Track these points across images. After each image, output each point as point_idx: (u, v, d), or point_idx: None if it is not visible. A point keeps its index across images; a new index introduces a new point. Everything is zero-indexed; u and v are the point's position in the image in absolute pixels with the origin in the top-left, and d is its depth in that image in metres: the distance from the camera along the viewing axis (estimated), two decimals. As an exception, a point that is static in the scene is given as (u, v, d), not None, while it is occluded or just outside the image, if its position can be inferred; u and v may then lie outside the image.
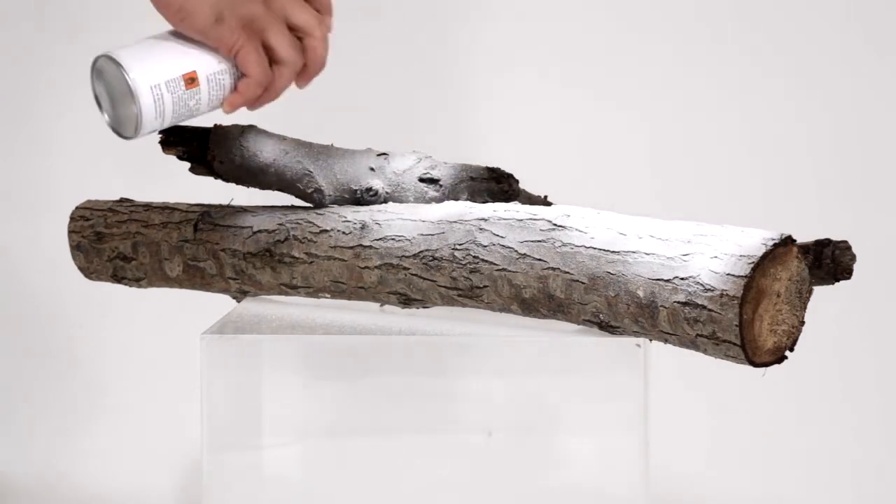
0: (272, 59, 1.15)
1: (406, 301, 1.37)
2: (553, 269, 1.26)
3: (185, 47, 1.15)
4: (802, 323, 1.20)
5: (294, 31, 1.14)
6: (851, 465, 2.21)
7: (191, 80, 1.15)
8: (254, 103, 1.21)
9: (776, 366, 1.20)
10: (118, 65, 1.13)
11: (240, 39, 1.13)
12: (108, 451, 2.30)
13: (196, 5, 1.10)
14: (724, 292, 1.16)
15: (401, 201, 1.41)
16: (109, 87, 1.15)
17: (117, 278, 1.54)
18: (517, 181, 1.42)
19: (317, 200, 1.43)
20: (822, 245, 1.32)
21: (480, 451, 1.34)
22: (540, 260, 1.27)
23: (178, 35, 1.15)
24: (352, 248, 1.37)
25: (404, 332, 1.36)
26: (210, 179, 1.49)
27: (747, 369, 1.20)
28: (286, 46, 1.14)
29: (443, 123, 2.28)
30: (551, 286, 1.26)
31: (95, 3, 2.35)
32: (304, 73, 1.18)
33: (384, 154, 1.44)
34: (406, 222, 1.36)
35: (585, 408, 1.32)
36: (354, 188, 1.42)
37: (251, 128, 1.46)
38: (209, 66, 1.16)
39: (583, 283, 1.25)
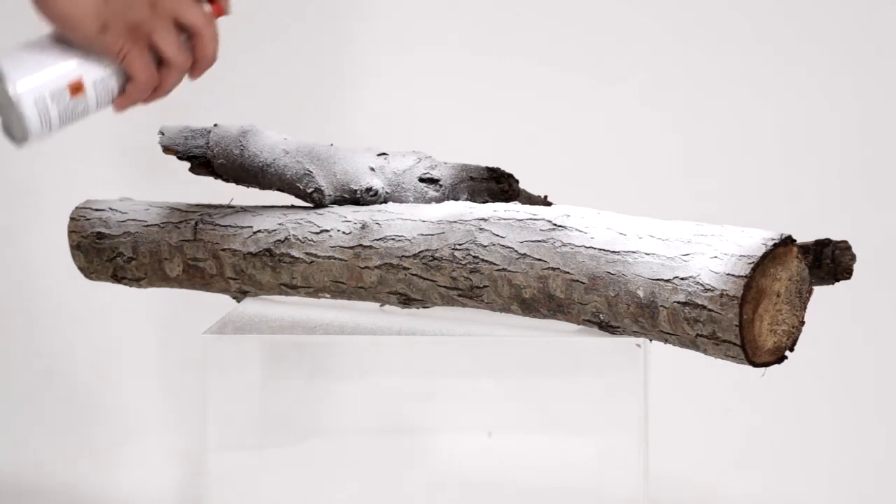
0: (160, 60, 1.13)
1: (406, 301, 1.37)
2: (553, 269, 1.26)
3: (69, 52, 1.12)
4: (802, 323, 1.20)
5: (183, 30, 1.12)
6: (851, 465, 2.21)
7: (76, 89, 1.11)
8: (144, 103, 1.18)
9: (776, 366, 1.20)
10: (1, 75, 1.10)
11: (126, 45, 1.10)
12: (108, 450, 2.30)
13: (81, 14, 1.07)
14: (724, 292, 1.16)
15: (401, 201, 1.41)
16: None
17: (117, 278, 1.54)
18: (517, 181, 1.42)
19: (317, 200, 1.43)
20: (822, 245, 1.32)
21: (480, 451, 1.34)
22: (540, 260, 1.27)
23: (62, 38, 1.11)
24: (352, 248, 1.37)
25: (404, 332, 1.36)
26: (210, 179, 1.49)
27: (747, 369, 1.20)
28: (173, 49, 1.12)
29: (443, 122, 2.28)
30: (551, 286, 1.26)
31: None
32: (195, 70, 1.15)
33: (384, 154, 1.44)
34: (406, 222, 1.36)
35: (585, 408, 1.32)
36: (354, 188, 1.42)
37: (251, 128, 1.46)
38: (95, 72, 1.12)
39: (583, 283, 1.25)
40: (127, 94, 1.14)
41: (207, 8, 1.14)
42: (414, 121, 2.28)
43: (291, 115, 2.29)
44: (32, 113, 1.11)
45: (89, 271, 1.55)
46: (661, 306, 1.20)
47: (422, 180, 1.41)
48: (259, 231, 1.43)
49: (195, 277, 1.48)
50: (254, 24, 2.34)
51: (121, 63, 1.11)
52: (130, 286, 1.54)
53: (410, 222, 1.35)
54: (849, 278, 1.32)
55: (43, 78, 1.11)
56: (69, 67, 1.12)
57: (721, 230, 1.21)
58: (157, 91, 1.14)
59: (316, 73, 2.34)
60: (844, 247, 1.32)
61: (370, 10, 2.33)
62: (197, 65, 1.14)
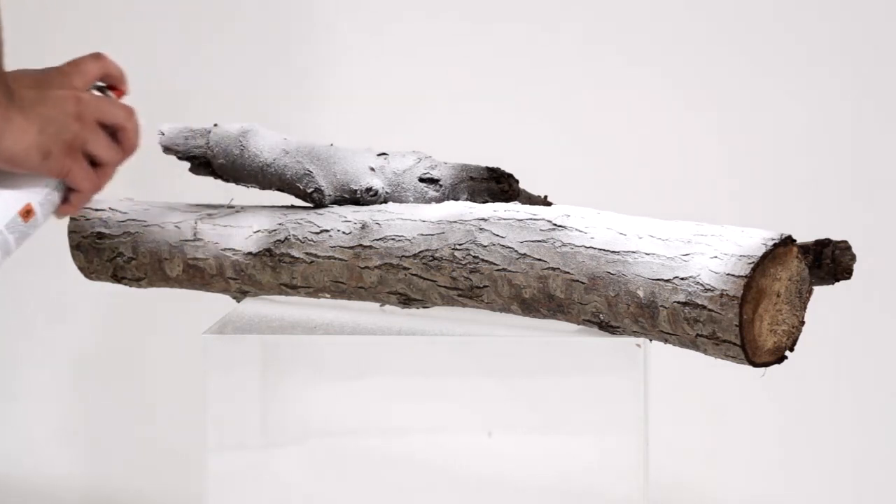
0: (95, 163, 1.17)
1: (406, 301, 1.37)
2: (553, 269, 1.26)
3: (13, 182, 1.15)
4: (802, 323, 1.20)
5: (107, 128, 1.17)
6: (851, 466, 2.21)
7: (27, 213, 1.16)
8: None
9: (776, 366, 1.20)
10: None
11: (67, 163, 1.15)
12: (108, 450, 2.30)
13: (23, 151, 1.12)
14: (724, 292, 1.16)
15: (401, 201, 1.41)
16: None
17: (117, 278, 1.54)
18: (517, 181, 1.42)
19: (317, 200, 1.43)
20: (822, 245, 1.32)
21: (480, 451, 1.34)
22: (540, 260, 1.27)
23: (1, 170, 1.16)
24: (352, 248, 1.37)
25: (404, 332, 1.36)
26: (210, 179, 1.49)
27: (747, 369, 1.20)
28: (106, 151, 1.17)
29: (443, 122, 2.28)
30: (551, 286, 1.26)
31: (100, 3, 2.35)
32: (125, 158, 1.21)
33: (384, 154, 1.43)
34: (406, 222, 1.36)
35: (585, 408, 1.32)
36: (354, 188, 1.42)
37: (251, 128, 1.46)
38: (40, 193, 1.17)
39: (583, 283, 1.25)
40: (72, 203, 1.19)
41: (111, 94, 1.19)
42: (413, 120, 2.28)
43: (291, 114, 2.29)
44: None
45: (89, 271, 1.55)
46: (661, 306, 1.20)
47: (422, 180, 1.41)
48: (259, 231, 1.43)
49: (195, 277, 1.48)
50: (254, 25, 2.34)
51: (65, 179, 1.15)
52: (130, 286, 1.54)
53: (410, 222, 1.35)
54: (849, 278, 1.32)
55: None
56: (16, 196, 1.17)
57: (721, 230, 1.21)
58: (98, 189, 1.19)
59: (317, 72, 2.34)
60: (844, 247, 1.32)
61: (371, 10, 2.33)
62: (125, 155, 1.19)
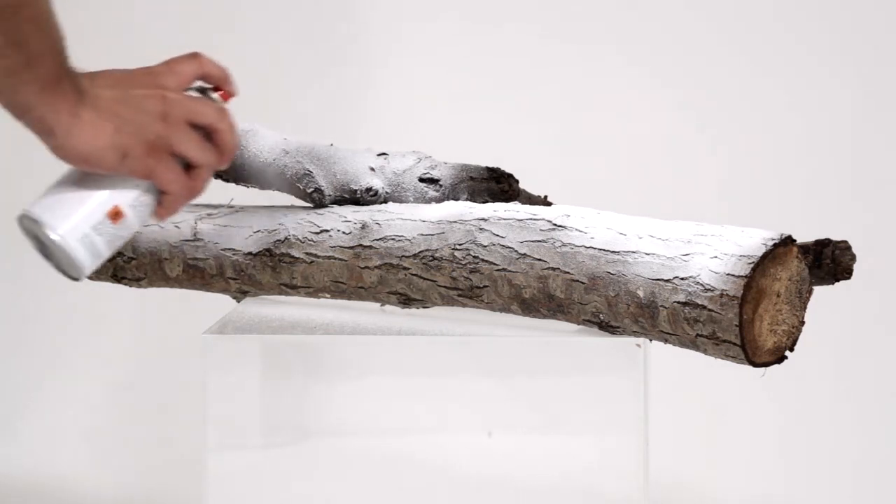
0: (187, 164, 1.12)
1: (406, 301, 1.37)
2: (553, 269, 1.26)
3: (100, 183, 1.11)
4: (802, 323, 1.20)
5: (199, 128, 1.11)
6: (851, 466, 2.21)
7: (115, 215, 1.11)
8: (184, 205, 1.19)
9: (776, 366, 1.20)
10: (40, 224, 1.10)
11: (150, 164, 1.09)
12: (108, 450, 2.30)
13: (98, 151, 1.07)
14: (724, 292, 1.16)
15: (401, 201, 1.41)
16: (42, 240, 1.11)
17: (117, 278, 1.54)
18: (517, 181, 1.42)
19: (317, 200, 1.43)
20: (822, 245, 1.32)
21: (480, 451, 1.34)
22: (540, 260, 1.27)
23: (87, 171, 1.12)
24: (352, 248, 1.37)
25: (404, 332, 1.36)
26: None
27: (747, 369, 1.20)
28: (197, 152, 1.11)
29: (443, 122, 2.28)
30: (551, 286, 1.26)
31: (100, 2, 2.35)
32: (222, 161, 1.14)
33: (384, 154, 1.43)
34: (406, 222, 1.36)
35: (585, 408, 1.32)
36: (354, 188, 1.42)
37: (251, 128, 1.46)
38: (129, 195, 1.12)
39: (583, 283, 1.25)
40: (165, 205, 1.13)
41: (216, 96, 1.15)
42: (414, 120, 2.28)
43: (292, 114, 2.29)
44: (80, 251, 1.11)
45: (89, 271, 1.55)
46: (661, 306, 1.20)
47: (422, 180, 1.41)
48: (259, 231, 1.43)
49: (195, 277, 1.48)
50: (254, 25, 2.34)
51: (152, 181, 1.11)
52: (130, 286, 1.54)
53: (410, 222, 1.35)
54: (849, 278, 1.32)
55: (81, 216, 1.12)
56: (103, 198, 1.12)
57: (721, 230, 1.21)
58: (192, 192, 1.14)
59: (317, 72, 2.34)
60: (844, 247, 1.32)
61: (370, 12, 2.33)
62: (223, 157, 1.14)
